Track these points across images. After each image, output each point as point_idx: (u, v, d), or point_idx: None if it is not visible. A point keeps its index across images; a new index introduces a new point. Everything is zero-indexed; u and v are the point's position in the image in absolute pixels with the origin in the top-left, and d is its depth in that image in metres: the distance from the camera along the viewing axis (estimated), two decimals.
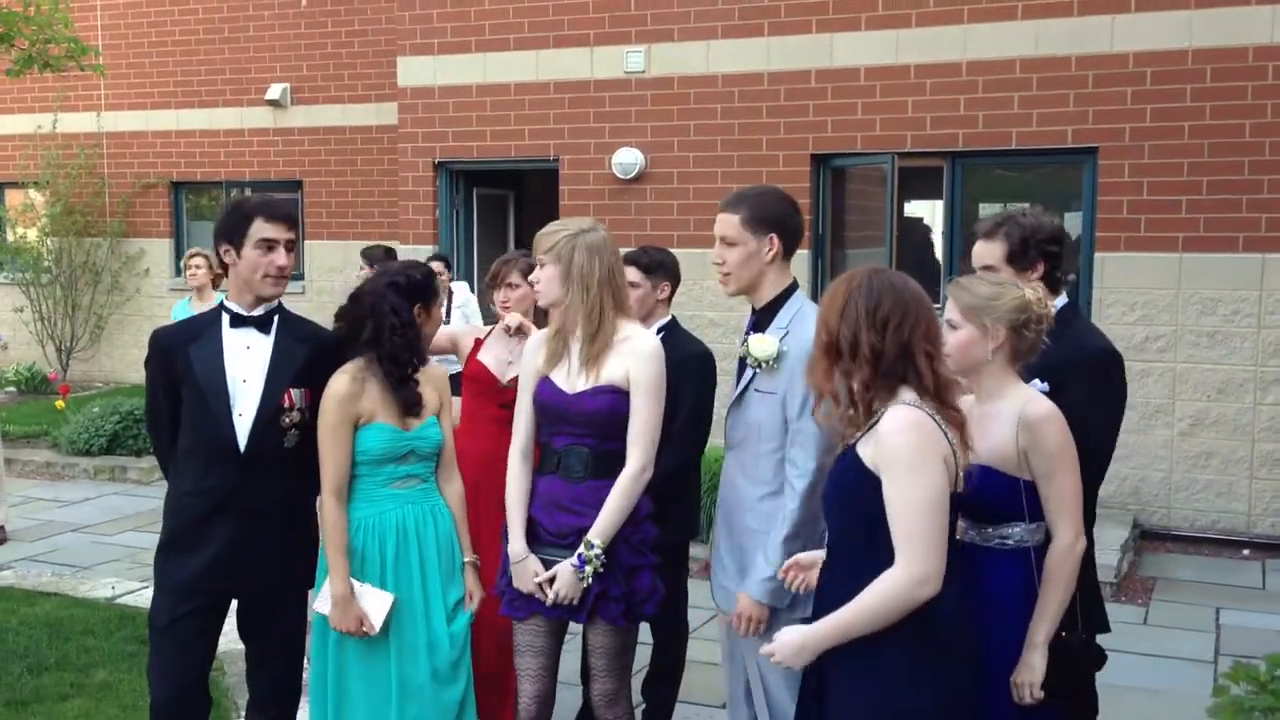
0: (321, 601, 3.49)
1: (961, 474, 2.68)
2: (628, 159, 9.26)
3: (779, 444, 3.27)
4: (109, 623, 5.58)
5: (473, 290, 8.34)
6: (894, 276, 2.73)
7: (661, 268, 4.35)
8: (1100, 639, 3.18)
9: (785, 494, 3.22)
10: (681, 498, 4.26)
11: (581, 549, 3.32)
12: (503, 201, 11.38)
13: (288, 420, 3.46)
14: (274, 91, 12.13)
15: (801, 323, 3.25)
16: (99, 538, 7.77)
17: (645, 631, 4.00)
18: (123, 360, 13.12)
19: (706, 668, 4.97)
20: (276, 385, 3.45)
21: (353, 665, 3.51)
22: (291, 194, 12.25)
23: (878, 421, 2.63)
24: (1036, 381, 3.10)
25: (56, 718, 4.56)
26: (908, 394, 2.64)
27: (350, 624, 3.43)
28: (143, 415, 6.03)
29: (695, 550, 5.40)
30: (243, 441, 3.41)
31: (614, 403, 3.37)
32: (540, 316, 3.75)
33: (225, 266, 3.52)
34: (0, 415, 10.64)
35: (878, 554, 2.58)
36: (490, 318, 5.17)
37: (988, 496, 2.89)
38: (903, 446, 2.56)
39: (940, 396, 2.65)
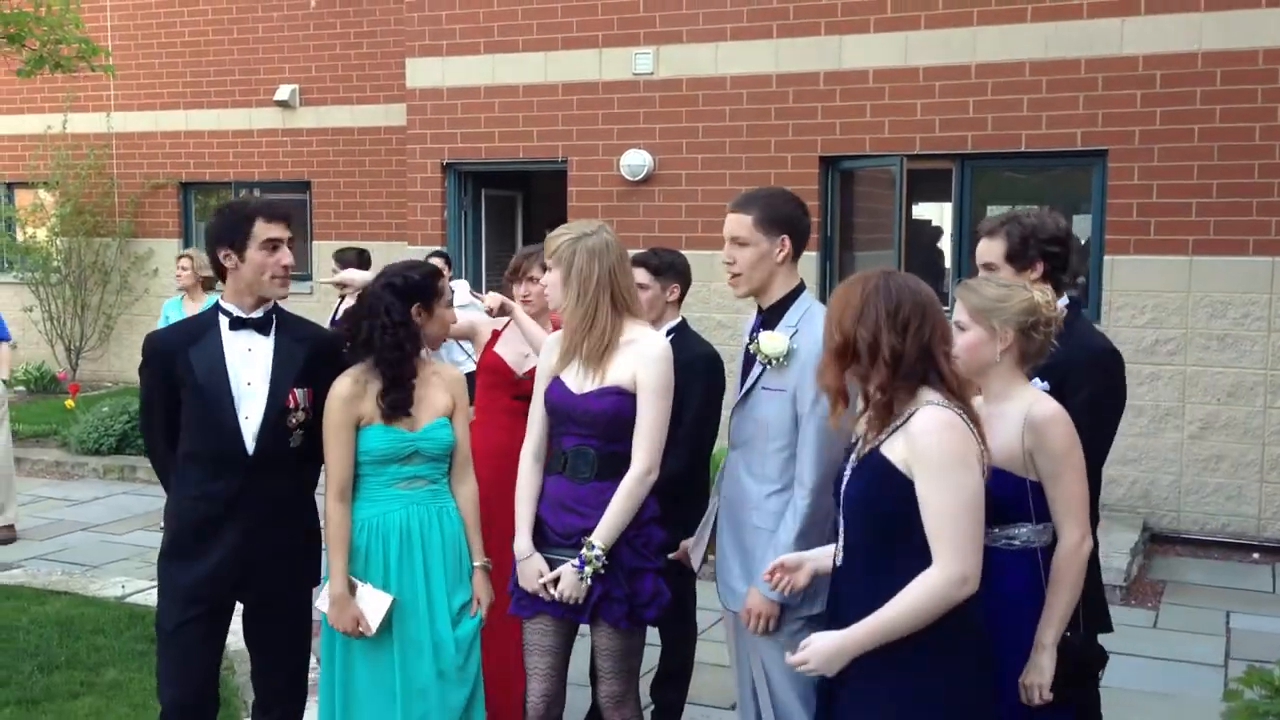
0: (323, 600, 3.50)
1: (986, 473, 2.67)
2: (636, 161, 9.26)
3: (787, 441, 3.26)
4: (119, 621, 5.59)
5: (478, 289, 8.33)
6: (908, 278, 2.72)
7: (671, 269, 4.34)
8: (1110, 643, 3.18)
9: (795, 491, 3.22)
10: (690, 499, 4.25)
11: (583, 550, 3.33)
12: (511, 203, 11.39)
13: (293, 420, 3.45)
14: (283, 92, 12.16)
15: (810, 322, 3.26)
16: (108, 537, 7.79)
17: (654, 633, 4.00)
18: (131, 360, 13.09)
19: (716, 669, 4.97)
20: (281, 387, 3.43)
21: (359, 665, 3.50)
22: (300, 195, 12.30)
23: (906, 422, 2.61)
24: (1037, 381, 3.10)
25: (67, 716, 4.58)
26: (930, 394, 2.63)
27: (346, 624, 3.42)
28: None
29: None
30: (250, 445, 3.40)
31: (619, 404, 3.37)
32: None
33: (221, 271, 3.45)
34: (10, 414, 10.64)
35: (899, 554, 2.58)
36: None
37: (995, 497, 2.88)
38: (938, 446, 2.56)
39: (961, 396, 2.66)
